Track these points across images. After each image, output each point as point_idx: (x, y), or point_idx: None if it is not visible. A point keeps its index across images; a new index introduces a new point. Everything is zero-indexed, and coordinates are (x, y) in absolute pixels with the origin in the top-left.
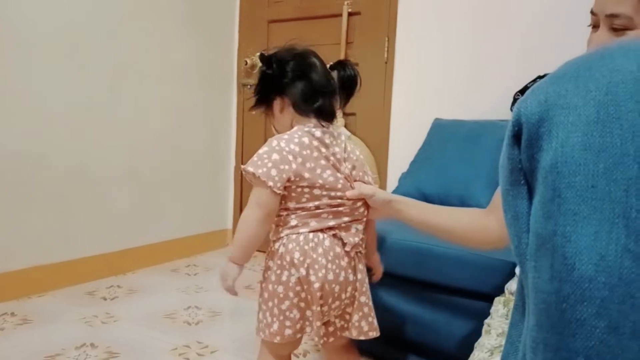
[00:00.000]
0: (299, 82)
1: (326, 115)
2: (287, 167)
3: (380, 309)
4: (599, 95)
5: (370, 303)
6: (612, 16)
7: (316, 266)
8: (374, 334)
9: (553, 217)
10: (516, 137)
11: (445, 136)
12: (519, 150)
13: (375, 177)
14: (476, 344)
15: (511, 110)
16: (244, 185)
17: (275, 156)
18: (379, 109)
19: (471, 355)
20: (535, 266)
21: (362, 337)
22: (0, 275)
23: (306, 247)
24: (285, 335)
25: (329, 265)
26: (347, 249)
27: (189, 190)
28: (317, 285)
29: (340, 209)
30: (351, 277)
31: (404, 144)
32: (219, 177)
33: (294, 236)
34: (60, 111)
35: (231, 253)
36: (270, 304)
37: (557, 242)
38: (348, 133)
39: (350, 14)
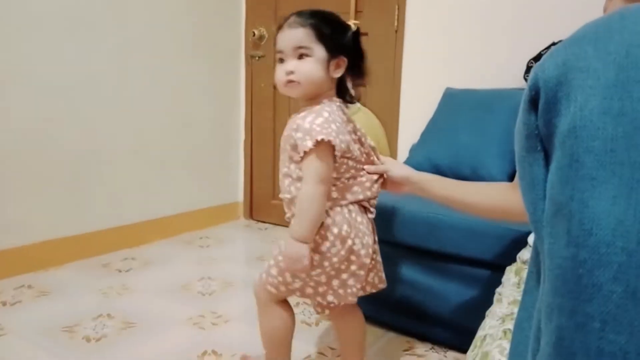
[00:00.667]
0: (362, 61)
1: (351, 97)
2: (343, 137)
3: (393, 280)
4: (618, 57)
5: (380, 258)
6: None
7: (360, 234)
8: (383, 285)
9: (570, 182)
10: (533, 101)
11: (456, 106)
12: (535, 115)
13: (385, 148)
14: (487, 312)
15: (524, 78)
16: (254, 159)
17: (333, 126)
18: (389, 79)
19: (482, 323)
20: (551, 232)
21: (373, 290)
22: (16, 248)
23: (350, 219)
24: (296, 291)
25: (366, 232)
26: (371, 216)
27: (200, 163)
28: (363, 252)
29: (367, 184)
30: (373, 241)
31: (415, 114)
32: (230, 150)
33: (338, 209)
34: (70, 88)
35: (294, 232)
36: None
37: (574, 208)
38: (358, 104)
39: None
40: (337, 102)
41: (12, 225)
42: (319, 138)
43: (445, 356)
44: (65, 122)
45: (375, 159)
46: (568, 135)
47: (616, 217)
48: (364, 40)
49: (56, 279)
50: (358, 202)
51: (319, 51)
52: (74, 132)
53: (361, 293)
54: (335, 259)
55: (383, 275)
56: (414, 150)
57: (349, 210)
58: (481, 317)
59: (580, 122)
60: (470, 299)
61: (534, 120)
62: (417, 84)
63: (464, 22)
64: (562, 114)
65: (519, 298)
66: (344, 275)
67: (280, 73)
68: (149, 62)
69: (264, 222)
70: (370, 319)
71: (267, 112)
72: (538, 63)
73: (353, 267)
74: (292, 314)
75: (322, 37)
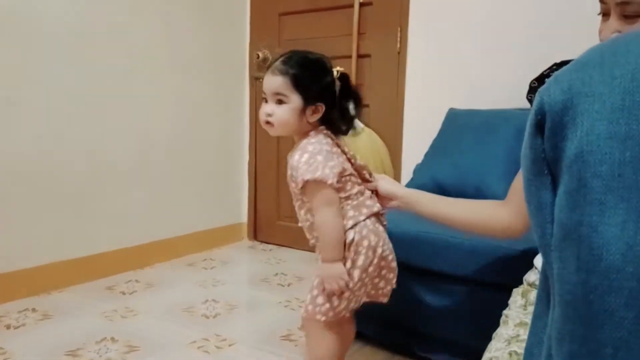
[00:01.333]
0: (347, 102)
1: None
2: (333, 163)
3: (395, 300)
4: (624, 82)
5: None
6: (623, 4)
7: (386, 241)
8: (385, 299)
9: (579, 207)
10: (539, 126)
11: (459, 126)
12: (542, 139)
13: (389, 169)
14: (494, 334)
15: (527, 98)
16: (258, 180)
17: (319, 157)
18: (392, 100)
19: (488, 345)
20: (561, 257)
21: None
22: (20, 271)
23: (374, 229)
24: (342, 311)
25: (386, 237)
26: (385, 223)
27: (203, 184)
28: (390, 257)
29: (372, 196)
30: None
31: (418, 134)
32: (233, 171)
33: (362, 223)
34: (73, 107)
35: (325, 257)
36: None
37: (584, 233)
38: (361, 125)
39: (361, 5)
40: (324, 131)
41: (15, 248)
42: (306, 178)
43: None
44: (68, 145)
45: (367, 175)
46: (575, 160)
47: (626, 242)
48: (366, 63)
49: (60, 302)
50: (374, 215)
51: (295, 99)
52: (77, 154)
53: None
54: (371, 269)
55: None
56: (418, 170)
57: (371, 222)
58: (488, 339)
59: (587, 147)
60: (476, 321)
61: (540, 144)
62: (420, 105)
63: (467, 43)
64: (569, 138)
65: (525, 320)
66: (377, 280)
67: (262, 112)
68: (154, 81)
69: (268, 243)
70: (374, 339)
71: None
72: (543, 87)
73: (384, 272)
74: (342, 334)
75: (299, 87)
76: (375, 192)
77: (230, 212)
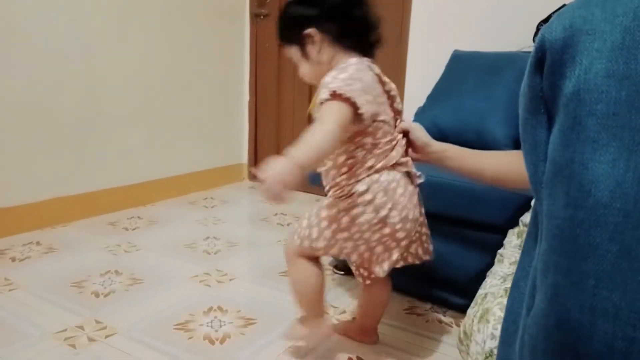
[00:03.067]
0: (354, 11)
1: (373, 51)
2: (370, 97)
3: None
4: (626, 20)
5: (427, 230)
6: None
7: (399, 207)
8: (428, 257)
9: (571, 144)
10: (539, 63)
11: (463, 68)
12: (540, 77)
13: None
14: (489, 272)
15: (534, 40)
16: (258, 120)
17: (358, 85)
18: (395, 40)
19: (483, 283)
20: (551, 193)
21: (416, 261)
22: (24, 205)
23: (389, 189)
24: (320, 249)
25: (408, 205)
26: (416, 183)
27: (204, 124)
28: (399, 225)
29: (398, 147)
30: (419, 214)
31: (422, 77)
32: (234, 111)
33: (375, 176)
34: (70, 48)
35: (291, 152)
36: (328, 228)
37: (574, 170)
38: None
39: None
40: (367, 61)
41: (20, 182)
42: (334, 88)
43: (445, 315)
44: (70, 83)
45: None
46: (572, 98)
47: (615, 179)
48: (371, 2)
49: (64, 236)
50: (397, 168)
51: (293, 51)
52: (78, 92)
53: (401, 263)
54: (364, 227)
55: (429, 246)
56: (419, 113)
57: (389, 181)
58: (481, 279)
59: (584, 85)
60: (472, 262)
61: (539, 82)
62: (425, 47)
63: None
64: (567, 76)
65: None
66: (374, 244)
67: None
68: (151, 21)
69: None
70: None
71: (271, 73)
72: (546, 24)
73: (386, 239)
74: (322, 270)
75: (284, 39)
76: (407, 142)
77: (231, 152)
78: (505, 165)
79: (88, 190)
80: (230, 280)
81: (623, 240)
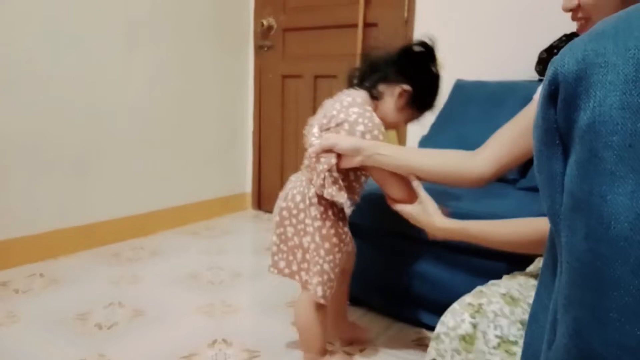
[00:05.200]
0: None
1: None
2: None
3: (402, 271)
4: (638, 53)
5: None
6: None
7: None
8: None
9: (589, 177)
10: (552, 96)
11: (466, 98)
12: (554, 110)
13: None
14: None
15: (536, 70)
16: (262, 149)
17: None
18: None
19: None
20: (570, 225)
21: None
22: (27, 237)
23: None
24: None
25: None
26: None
27: (208, 154)
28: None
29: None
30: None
31: None
32: (237, 141)
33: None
34: (74, 74)
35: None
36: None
37: (593, 202)
38: None
39: None
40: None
41: (23, 214)
42: (361, 130)
43: None
44: (73, 112)
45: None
46: (587, 131)
47: (635, 211)
48: (373, 31)
49: (67, 268)
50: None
51: (384, 86)
52: (82, 122)
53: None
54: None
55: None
56: (423, 142)
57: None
58: None
59: (599, 118)
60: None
61: (553, 114)
62: None
63: (475, 13)
64: (582, 109)
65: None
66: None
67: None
68: (157, 48)
69: (272, 212)
70: (379, 309)
71: (275, 103)
72: (557, 58)
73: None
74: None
75: (395, 73)
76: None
77: (234, 182)
78: (446, 164)
79: (90, 222)
80: (235, 311)
81: None
